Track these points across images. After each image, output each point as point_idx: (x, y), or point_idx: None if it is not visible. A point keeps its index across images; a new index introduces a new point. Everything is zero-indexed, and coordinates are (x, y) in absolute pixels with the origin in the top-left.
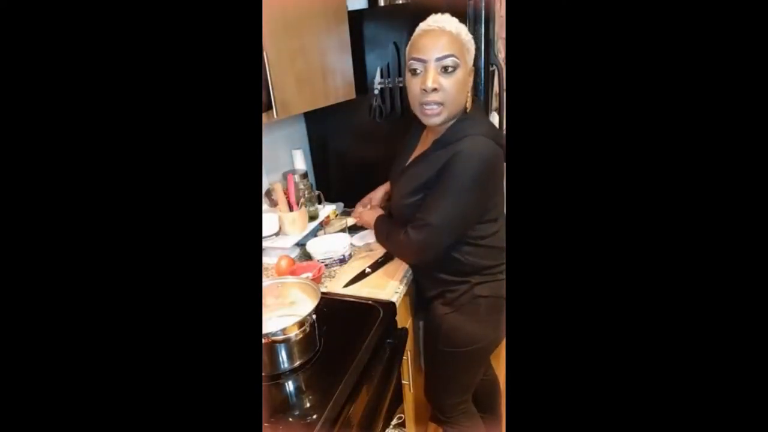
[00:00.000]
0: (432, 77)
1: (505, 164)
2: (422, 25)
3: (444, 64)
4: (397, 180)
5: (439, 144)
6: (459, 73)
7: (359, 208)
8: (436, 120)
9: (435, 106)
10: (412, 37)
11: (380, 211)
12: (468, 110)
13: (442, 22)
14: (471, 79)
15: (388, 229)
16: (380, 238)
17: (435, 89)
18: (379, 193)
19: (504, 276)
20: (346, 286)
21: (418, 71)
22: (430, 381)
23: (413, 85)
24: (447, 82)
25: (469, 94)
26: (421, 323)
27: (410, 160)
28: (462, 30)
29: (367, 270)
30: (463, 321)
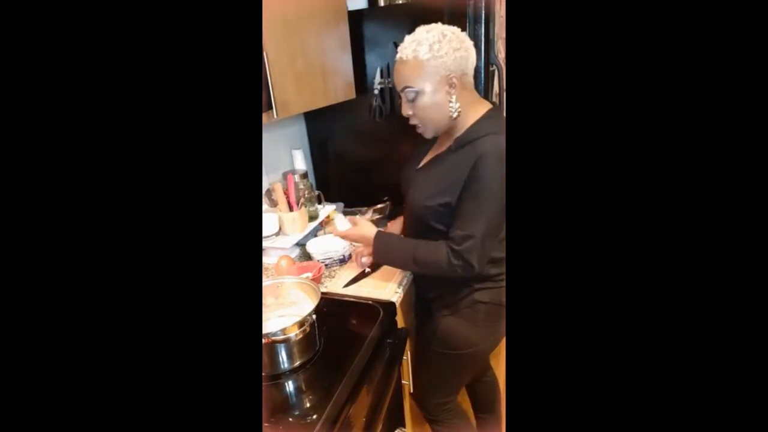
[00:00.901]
0: (404, 107)
1: None
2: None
3: (407, 95)
4: (414, 180)
5: (459, 142)
6: (423, 98)
7: (345, 225)
8: (427, 135)
9: (418, 127)
10: None
11: (371, 224)
12: (455, 116)
13: (403, 49)
14: (453, 89)
15: (413, 247)
16: (390, 257)
17: (410, 116)
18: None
19: (504, 283)
20: (346, 286)
21: (401, 98)
22: (418, 380)
23: None
24: (414, 109)
25: (452, 102)
26: (418, 323)
27: (428, 159)
28: (420, 50)
29: (367, 270)
30: (460, 324)
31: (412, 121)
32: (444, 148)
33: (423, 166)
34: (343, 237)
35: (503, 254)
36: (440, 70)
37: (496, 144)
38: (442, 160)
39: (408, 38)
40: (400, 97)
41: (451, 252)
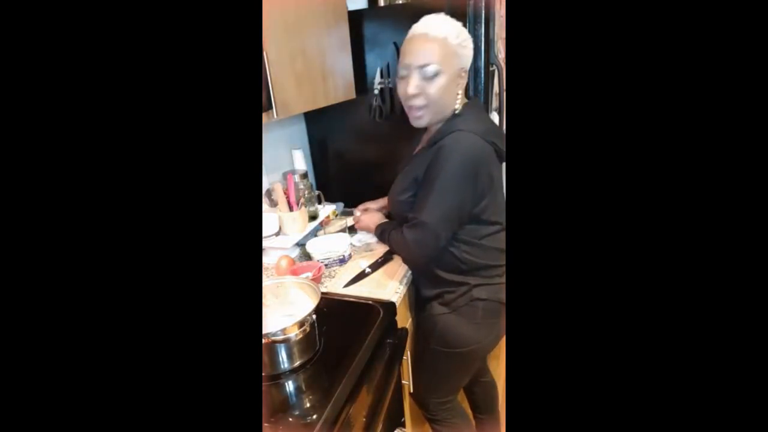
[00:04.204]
0: (414, 83)
1: (499, 163)
2: (412, 29)
3: (425, 72)
4: (396, 179)
5: (431, 142)
6: (441, 79)
7: (357, 213)
8: (421, 122)
9: (418, 110)
10: (404, 41)
11: (379, 215)
12: (457, 110)
13: (429, 26)
14: (462, 81)
15: (389, 231)
16: (384, 241)
17: (417, 94)
18: (379, 202)
19: (502, 279)
20: (346, 286)
21: (403, 75)
22: (417, 379)
23: (400, 88)
24: (429, 87)
25: (460, 94)
26: (417, 321)
27: (409, 158)
28: (450, 34)
29: (367, 270)
30: (459, 322)
31: (416, 102)
32: (422, 146)
33: (403, 165)
34: (357, 222)
35: (501, 245)
36: (462, 61)
37: (456, 140)
38: (416, 158)
39: (431, 17)
40: (402, 76)
41: (403, 235)
